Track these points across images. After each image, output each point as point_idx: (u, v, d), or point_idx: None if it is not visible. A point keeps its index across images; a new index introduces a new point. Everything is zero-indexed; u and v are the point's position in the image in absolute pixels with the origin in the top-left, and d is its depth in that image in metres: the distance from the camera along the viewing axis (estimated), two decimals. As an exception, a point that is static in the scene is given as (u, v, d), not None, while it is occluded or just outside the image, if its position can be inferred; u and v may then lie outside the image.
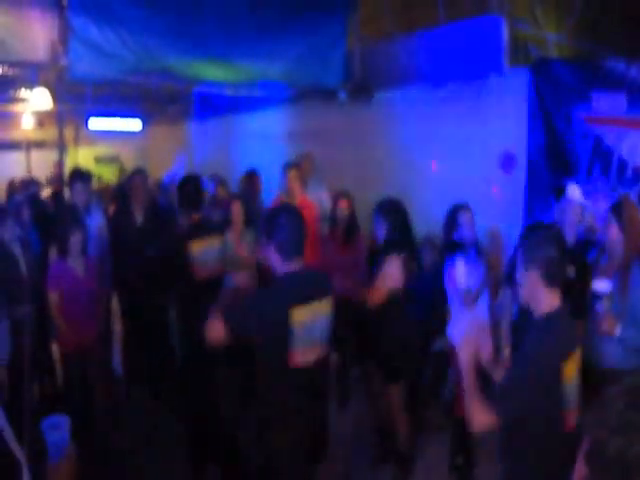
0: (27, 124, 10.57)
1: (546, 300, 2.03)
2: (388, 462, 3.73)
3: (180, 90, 7.01)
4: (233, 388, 4.02)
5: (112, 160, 13.08)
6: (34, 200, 5.49)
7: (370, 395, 3.95)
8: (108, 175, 11.59)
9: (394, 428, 3.67)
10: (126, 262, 4.55)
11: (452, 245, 3.55)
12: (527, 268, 2.03)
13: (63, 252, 3.85)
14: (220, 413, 3.62)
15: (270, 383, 2.38)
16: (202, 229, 3.79)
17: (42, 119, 10.39)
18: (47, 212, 5.27)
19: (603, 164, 4.61)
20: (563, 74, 4.67)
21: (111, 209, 5.61)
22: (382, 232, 3.54)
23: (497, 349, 2.70)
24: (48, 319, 3.97)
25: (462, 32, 5.40)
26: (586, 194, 4.32)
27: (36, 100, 7.13)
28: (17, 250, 4.05)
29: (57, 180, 7.39)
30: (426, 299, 3.79)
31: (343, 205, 4.44)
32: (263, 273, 3.63)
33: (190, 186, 3.83)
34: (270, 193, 5.73)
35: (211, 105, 7.99)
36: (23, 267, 4.04)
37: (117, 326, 4.89)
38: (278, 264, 2.39)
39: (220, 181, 6.32)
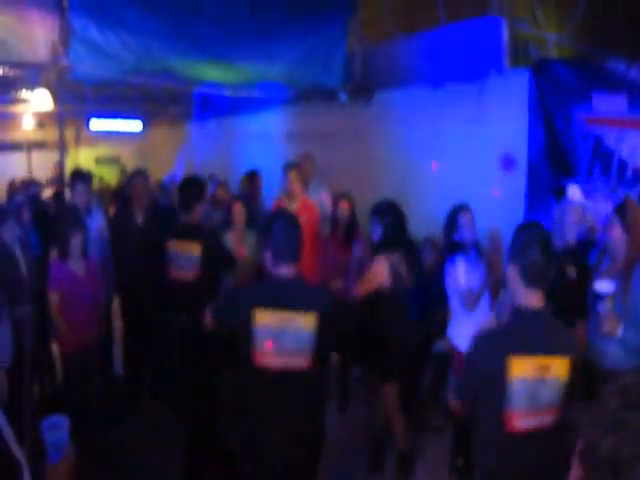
0: (28, 125, 10.58)
1: (524, 299, 2.05)
2: (380, 472, 3.73)
3: (181, 91, 7.02)
4: (233, 388, 4.01)
5: (113, 161, 13.11)
6: (35, 201, 5.50)
7: (368, 395, 3.95)
8: (109, 176, 11.61)
9: (390, 428, 3.67)
10: (127, 263, 4.55)
11: (453, 246, 3.55)
12: (509, 264, 2.10)
13: (63, 253, 3.84)
14: (220, 414, 3.62)
15: (240, 382, 2.48)
16: (185, 232, 3.93)
17: (43, 120, 10.40)
18: (48, 213, 5.26)
19: (603, 165, 4.60)
20: (563, 75, 4.67)
21: (112, 210, 5.61)
22: (377, 233, 3.55)
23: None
24: (48, 319, 3.97)
25: (462, 33, 5.40)
26: (586, 194, 4.33)
27: (37, 101, 7.12)
28: (17, 251, 4.05)
29: (58, 181, 7.40)
30: (427, 300, 3.79)
31: (344, 206, 4.46)
32: (265, 274, 3.63)
33: (190, 188, 3.87)
34: (271, 194, 5.74)
35: (211, 106, 8.00)
36: (23, 268, 4.04)
37: (117, 326, 4.89)
38: (271, 268, 2.45)
39: (220, 182, 6.33)
